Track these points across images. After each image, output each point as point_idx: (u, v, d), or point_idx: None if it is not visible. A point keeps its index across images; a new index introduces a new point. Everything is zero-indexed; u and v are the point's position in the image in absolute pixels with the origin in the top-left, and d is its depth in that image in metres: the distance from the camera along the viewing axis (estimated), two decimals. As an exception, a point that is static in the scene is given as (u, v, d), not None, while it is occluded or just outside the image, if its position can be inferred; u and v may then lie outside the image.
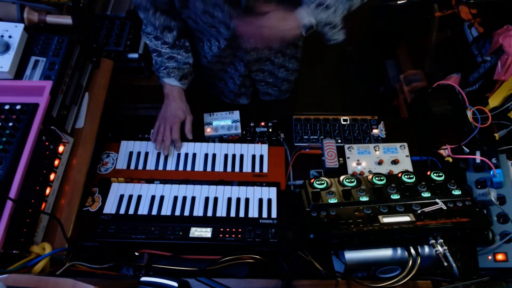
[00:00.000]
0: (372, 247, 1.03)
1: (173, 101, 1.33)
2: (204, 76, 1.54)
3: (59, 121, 1.17)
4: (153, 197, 1.20)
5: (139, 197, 1.20)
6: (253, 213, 1.18)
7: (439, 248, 0.97)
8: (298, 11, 1.15)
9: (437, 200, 1.05)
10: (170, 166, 1.29)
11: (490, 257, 1.07)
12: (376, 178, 1.13)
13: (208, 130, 1.36)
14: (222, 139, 1.38)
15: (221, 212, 1.18)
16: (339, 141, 1.37)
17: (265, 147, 1.34)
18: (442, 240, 0.99)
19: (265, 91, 1.61)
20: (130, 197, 1.20)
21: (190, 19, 1.26)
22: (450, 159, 1.27)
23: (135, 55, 1.56)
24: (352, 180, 1.13)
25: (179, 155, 1.31)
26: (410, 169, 1.25)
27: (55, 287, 0.73)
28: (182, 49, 1.32)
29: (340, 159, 1.28)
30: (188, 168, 1.29)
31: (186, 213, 1.17)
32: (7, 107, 1.03)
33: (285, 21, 1.14)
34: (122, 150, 1.31)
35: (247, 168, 1.29)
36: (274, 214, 1.17)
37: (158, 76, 1.38)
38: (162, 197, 1.20)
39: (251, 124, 1.41)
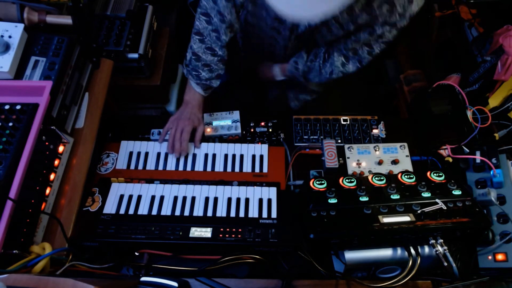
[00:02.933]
0: (372, 247, 1.03)
1: (191, 108, 1.34)
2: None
3: (59, 121, 1.17)
4: (153, 197, 1.20)
5: (139, 197, 1.20)
6: (253, 213, 1.18)
7: (439, 248, 0.97)
8: (273, 68, 1.53)
9: (437, 200, 1.05)
10: (170, 166, 1.29)
11: (490, 257, 1.07)
12: (376, 178, 1.13)
13: (208, 130, 1.36)
14: (222, 139, 1.38)
15: (221, 212, 1.18)
16: (339, 141, 1.37)
17: (265, 147, 1.34)
18: (442, 240, 0.99)
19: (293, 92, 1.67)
20: (130, 197, 1.20)
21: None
22: (450, 159, 1.27)
23: (135, 55, 1.56)
24: (352, 180, 1.13)
25: (179, 155, 1.31)
26: (410, 169, 1.25)
27: (55, 287, 0.73)
28: (221, 62, 1.33)
29: (340, 159, 1.28)
30: (188, 168, 1.29)
31: (186, 213, 1.17)
32: (7, 107, 1.03)
33: (266, 71, 1.55)
34: (122, 150, 1.31)
35: (247, 168, 1.29)
36: (274, 214, 1.17)
37: (184, 68, 1.37)
38: (162, 197, 1.20)
39: (251, 124, 1.41)
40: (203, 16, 1.24)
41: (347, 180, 1.13)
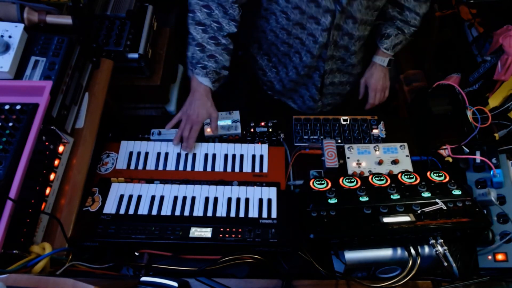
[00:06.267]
0: (372, 247, 1.03)
1: (198, 99, 1.29)
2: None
3: (59, 121, 1.17)
4: (153, 197, 1.20)
5: (139, 197, 1.20)
6: (253, 213, 1.18)
7: (439, 248, 0.97)
8: (376, 60, 1.48)
9: (437, 200, 1.05)
10: (170, 166, 1.29)
11: (490, 257, 1.07)
12: (376, 178, 1.13)
13: (208, 130, 1.36)
14: (222, 139, 1.37)
15: (221, 212, 1.18)
16: (339, 141, 1.37)
17: (265, 147, 1.34)
18: (442, 240, 0.99)
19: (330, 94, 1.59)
20: (130, 197, 1.20)
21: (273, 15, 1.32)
22: (450, 159, 1.27)
23: (135, 55, 1.55)
24: (352, 180, 1.13)
25: (179, 155, 1.31)
26: (410, 169, 1.25)
27: (55, 287, 0.73)
28: (226, 51, 1.29)
29: (341, 159, 1.28)
30: (188, 168, 1.29)
31: (186, 213, 1.17)
32: (7, 107, 1.03)
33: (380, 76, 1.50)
34: (122, 150, 1.31)
35: (247, 168, 1.29)
36: (274, 214, 1.17)
37: (188, 68, 1.32)
38: (162, 197, 1.20)
39: (251, 124, 1.41)
40: (204, 8, 1.22)
41: (347, 180, 1.13)
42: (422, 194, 1.08)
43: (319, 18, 1.26)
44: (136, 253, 1.12)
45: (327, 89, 1.54)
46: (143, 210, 1.18)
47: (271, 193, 1.22)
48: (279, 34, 1.41)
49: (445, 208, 1.03)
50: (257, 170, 1.29)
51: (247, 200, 1.21)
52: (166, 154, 1.31)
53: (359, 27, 1.32)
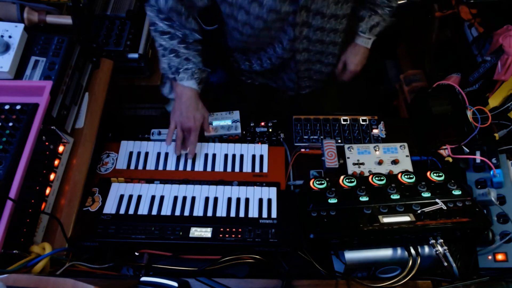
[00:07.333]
0: (372, 247, 1.03)
1: (188, 104, 1.26)
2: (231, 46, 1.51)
3: (59, 121, 1.17)
4: (153, 197, 1.20)
5: (139, 197, 1.20)
6: (253, 213, 1.18)
7: (439, 248, 0.97)
8: (358, 42, 1.49)
9: (437, 200, 1.05)
10: (170, 166, 1.29)
11: (490, 257, 1.07)
12: (376, 178, 1.13)
13: (209, 130, 1.36)
14: (222, 139, 1.37)
15: (221, 212, 1.18)
16: (339, 141, 1.36)
17: (265, 147, 1.34)
18: (442, 240, 0.99)
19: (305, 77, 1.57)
20: (130, 197, 1.20)
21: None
22: (450, 159, 1.27)
23: (135, 55, 1.56)
24: (352, 180, 1.13)
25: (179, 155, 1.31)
26: (410, 169, 1.25)
27: (55, 287, 0.73)
28: (197, 52, 1.28)
29: (340, 159, 1.28)
30: (188, 168, 1.29)
31: (186, 213, 1.17)
32: (7, 107, 1.03)
33: (361, 59, 1.52)
34: (122, 150, 1.31)
35: (247, 168, 1.29)
36: (274, 214, 1.17)
37: (169, 78, 1.31)
38: (162, 197, 1.20)
39: (251, 124, 1.41)
40: (165, 21, 1.22)
41: (347, 180, 1.13)
42: (422, 194, 1.08)
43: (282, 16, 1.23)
44: (136, 253, 1.12)
45: (303, 73, 1.52)
46: (143, 210, 1.18)
47: (271, 193, 1.22)
48: (247, 40, 1.37)
49: (445, 208, 1.03)
50: (257, 170, 1.29)
51: (247, 200, 1.21)
52: (166, 154, 1.31)
53: (329, 21, 1.29)
